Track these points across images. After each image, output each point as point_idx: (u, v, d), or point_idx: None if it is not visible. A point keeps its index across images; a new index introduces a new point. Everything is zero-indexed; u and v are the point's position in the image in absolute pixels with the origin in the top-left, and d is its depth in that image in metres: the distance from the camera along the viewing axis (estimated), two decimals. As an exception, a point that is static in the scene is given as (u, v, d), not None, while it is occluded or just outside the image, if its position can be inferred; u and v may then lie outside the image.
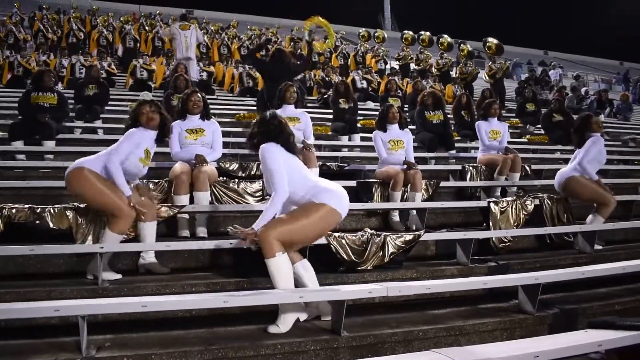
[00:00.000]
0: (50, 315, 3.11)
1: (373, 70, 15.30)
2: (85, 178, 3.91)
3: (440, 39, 16.60)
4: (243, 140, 8.05)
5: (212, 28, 18.92)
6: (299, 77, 10.55)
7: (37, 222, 4.21)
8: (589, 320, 3.55)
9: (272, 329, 3.44)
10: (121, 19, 18.21)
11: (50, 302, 3.16)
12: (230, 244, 4.09)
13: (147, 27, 17.26)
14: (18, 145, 6.78)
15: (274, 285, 3.54)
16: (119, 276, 3.94)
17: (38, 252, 3.81)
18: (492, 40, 14.75)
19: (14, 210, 4.20)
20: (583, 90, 18.13)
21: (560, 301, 4.20)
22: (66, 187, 4.06)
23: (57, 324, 3.34)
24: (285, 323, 3.47)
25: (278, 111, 6.13)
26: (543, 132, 10.59)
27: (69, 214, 4.24)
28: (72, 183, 3.97)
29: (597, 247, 5.35)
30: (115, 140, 4.20)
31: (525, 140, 10.63)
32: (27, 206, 4.27)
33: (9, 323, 3.26)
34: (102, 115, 8.77)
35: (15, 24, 15.91)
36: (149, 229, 4.15)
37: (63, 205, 4.33)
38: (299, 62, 8.51)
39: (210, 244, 4.29)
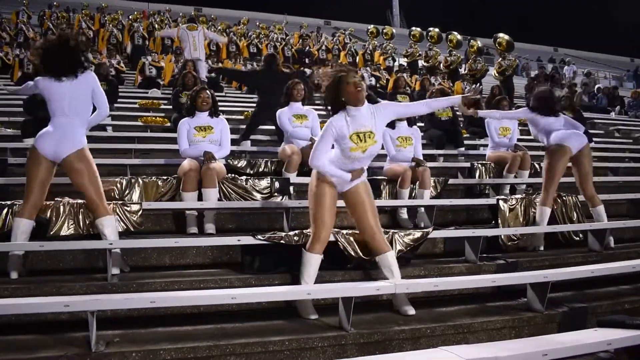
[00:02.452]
0: (60, 311, 3.14)
1: (381, 67, 15.26)
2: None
3: (449, 36, 16.49)
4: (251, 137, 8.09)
5: (220, 27, 18.93)
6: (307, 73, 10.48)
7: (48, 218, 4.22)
8: (598, 318, 3.51)
9: (411, 311, 3.74)
10: (130, 16, 18.26)
11: (60, 298, 3.19)
12: (239, 240, 4.11)
13: (156, 25, 17.30)
14: (30, 142, 6.80)
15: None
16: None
17: (48, 248, 3.85)
18: (503, 36, 14.59)
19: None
20: (595, 87, 17.97)
21: (569, 299, 4.19)
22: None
23: (66, 319, 3.36)
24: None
25: (285, 109, 6.22)
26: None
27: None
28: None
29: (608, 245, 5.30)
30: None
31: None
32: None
33: (19, 318, 3.29)
34: (110, 113, 8.77)
35: (24, 22, 16.00)
36: (108, 222, 4.03)
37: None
38: (289, 72, 8.36)
39: (218, 241, 4.32)
